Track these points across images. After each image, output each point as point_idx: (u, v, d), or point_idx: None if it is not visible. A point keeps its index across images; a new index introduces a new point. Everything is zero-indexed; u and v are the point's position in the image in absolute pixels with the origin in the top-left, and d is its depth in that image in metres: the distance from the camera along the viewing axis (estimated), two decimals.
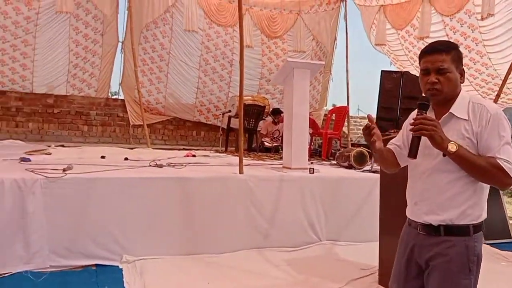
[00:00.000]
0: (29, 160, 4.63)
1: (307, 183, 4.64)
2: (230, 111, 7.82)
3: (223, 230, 4.15)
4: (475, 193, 1.81)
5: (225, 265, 3.90)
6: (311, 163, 5.81)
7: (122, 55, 8.85)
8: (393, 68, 9.29)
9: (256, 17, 9.67)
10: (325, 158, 7.06)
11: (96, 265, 3.68)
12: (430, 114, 1.84)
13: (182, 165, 4.87)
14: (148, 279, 3.44)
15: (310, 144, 7.56)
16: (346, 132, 8.72)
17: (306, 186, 4.63)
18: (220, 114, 8.53)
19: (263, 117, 8.03)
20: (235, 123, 7.06)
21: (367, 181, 4.91)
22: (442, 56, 1.81)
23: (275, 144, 7.57)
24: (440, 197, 1.82)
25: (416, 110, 1.82)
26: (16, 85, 8.18)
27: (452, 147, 1.69)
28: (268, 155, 7.10)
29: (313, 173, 4.81)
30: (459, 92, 1.86)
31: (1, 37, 7.84)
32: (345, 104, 8.73)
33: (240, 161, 4.42)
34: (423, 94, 1.87)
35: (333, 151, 7.41)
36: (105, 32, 8.65)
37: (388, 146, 2.04)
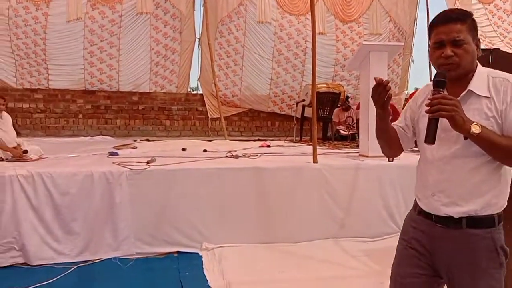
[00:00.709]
0: (116, 154, 4.96)
1: (385, 171, 4.46)
2: (304, 100, 7.74)
3: (298, 219, 4.14)
4: (500, 180, 1.61)
5: (301, 254, 3.90)
6: None
7: (200, 51, 9.13)
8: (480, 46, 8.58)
9: (329, 2, 9.44)
10: None
11: (178, 252, 3.87)
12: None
13: (257, 155, 4.93)
14: (226, 266, 3.54)
15: None
16: None
17: (385, 175, 4.45)
18: (294, 104, 8.49)
19: (338, 105, 7.85)
20: (309, 112, 6.97)
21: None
22: (457, 26, 1.57)
23: (351, 132, 7.37)
24: (463, 187, 1.60)
25: (430, 88, 1.59)
26: (104, 85, 8.80)
27: (475, 129, 1.47)
28: (344, 143, 6.94)
29: (392, 160, 4.60)
30: (476, 67, 1.64)
31: (89, 40, 8.47)
32: None
33: (314, 150, 4.37)
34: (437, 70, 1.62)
35: None
36: (183, 30, 8.97)
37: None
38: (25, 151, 4.51)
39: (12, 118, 4.95)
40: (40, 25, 8.17)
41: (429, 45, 1.68)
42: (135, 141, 7.06)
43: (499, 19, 7.97)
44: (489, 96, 1.57)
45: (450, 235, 1.64)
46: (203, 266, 3.59)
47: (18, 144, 4.67)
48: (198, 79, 9.38)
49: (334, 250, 4.05)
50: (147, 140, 7.59)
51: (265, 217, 4.12)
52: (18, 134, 5.03)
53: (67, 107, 8.62)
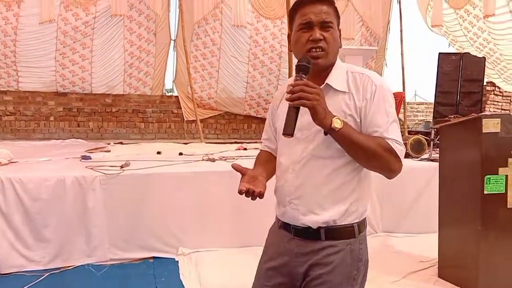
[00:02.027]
0: (89, 158, 4.84)
1: None
2: None
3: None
4: (359, 184, 1.47)
5: None
6: None
7: (175, 52, 9.04)
8: (451, 50, 8.82)
9: None
10: None
11: (153, 257, 3.81)
12: None
13: (234, 158, 4.91)
14: (203, 271, 3.51)
15: None
16: (402, 119, 8.38)
17: None
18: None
19: None
20: None
21: (425, 170, 4.69)
22: (325, 7, 1.42)
23: None
24: (320, 192, 1.43)
25: (294, 75, 1.39)
26: (77, 87, 8.60)
27: (337, 123, 1.29)
28: None
29: None
30: (335, 61, 1.49)
31: (62, 42, 8.26)
32: (401, 90, 8.39)
33: None
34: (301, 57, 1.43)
35: None
36: (157, 31, 8.86)
37: (262, 150, 1.70)
38: None
39: None
40: (11, 26, 7.91)
41: (297, 30, 1.45)
42: (108, 144, 6.92)
43: (469, 24, 8.21)
44: (347, 91, 1.42)
45: (309, 249, 1.47)
46: (179, 272, 3.54)
47: None
48: (173, 81, 9.30)
49: None
50: (121, 143, 7.45)
51: (242, 220, 4.09)
52: None
53: (38, 110, 8.39)
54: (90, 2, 8.27)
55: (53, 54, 8.29)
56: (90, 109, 8.72)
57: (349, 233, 1.46)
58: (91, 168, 3.97)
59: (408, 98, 11.29)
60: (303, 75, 1.34)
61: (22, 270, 3.45)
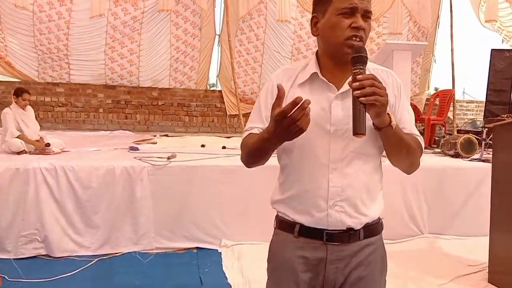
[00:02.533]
0: (137, 149, 5.00)
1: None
2: None
3: None
4: (381, 179, 1.43)
5: None
6: None
7: (219, 47, 9.12)
8: (505, 47, 8.39)
9: None
10: (428, 146, 6.61)
11: (197, 248, 3.88)
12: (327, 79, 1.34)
13: (274, 153, 4.88)
14: (246, 263, 3.53)
15: None
16: (451, 117, 8.07)
17: (407, 177, 4.32)
18: None
19: None
20: None
21: (476, 171, 4.51)
22: None
23: None
24: (365, 191, 1.35)
25: (286, 73, 1.35)
26: (124, 80, 8.86)
27: (394, 119, 1.23)
28: None
29: None
30: None
31: (111, 36, 8.53)
32: (449, 88, 8.07)
33: None
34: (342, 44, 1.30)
35: (436, 138, 6.91)
36: (203, 26, 8.96)
37: (251, 133, 1.38)
38: (48, 144, 4.58)
39: (34, 111, 5.03)
40: (64, 20, 8.25)
41: (337, 14, 1.30)
42: (154, 136, 7.11)
43: None
44: None
45: (346, 252, 1.36)
46: (222, 263, 3.59)
47: (40, 137, 4.75)
48: (217, 76, 9.38)
49: None
50: (166, 135, 7.63)
51: None
52: (40, 127, 5.11)
53: (88, 102, 8.71)
54: None
55: (102, 48, 8.57)
56: (137, 102, 8.96)
57: (380, 228, 1.43)
58: (139, 159, 4.08)
59: (457, 96, 10.88)
60: (361, 67, 1.20)
61: (73, 255, 3.62)
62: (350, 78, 1.21)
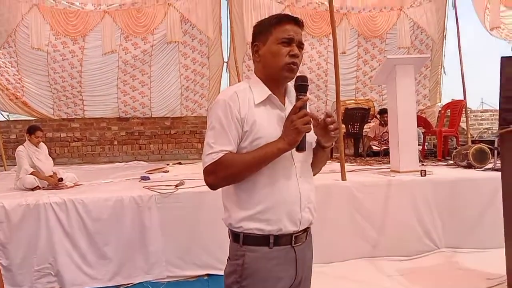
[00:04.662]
0: (148, 178, 5.06)
1: (418, 187, 4.33)
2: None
3: (329, 239, 4.03)
4: None
5: (333, 275, 3.80)
6: (422, 164, 5.42)
7: (228, 74, 9.26)
8: None
9: (354, 19, 9.48)
10: (441, 159, 6.51)
11: (208, 274, 3.86)
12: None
13: None
14: None
15: (423, 145, 7.07)
16: (465, 128, 7.93)
17: (418, 190, 4.31)
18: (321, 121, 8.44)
19: (368, 120, 7.72)
20: None
21: (490, 181, 4.40)
22: (300, 30, 1.57)
23: (384, 147, 7.21)
24: (314, 193, 1.60)
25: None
26: (137, 112, 9.06)
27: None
28: (376, 159, 6.79)
29: (425, 175, 4.47)
30: None
31: (123, 70, 8.78)
32: (461, 98, 7.96)
33: (342, 167, 4.29)
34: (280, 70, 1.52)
35: (450, 150, 6.81)
36: (210, 54, 9.14)
37: (225, 153, 1.45)
38: (60, 179, 4.69)
39: (50, 147, 5.18)
40: (77, 58, 8.54)
41: (277, 43, 1.52)
42: (167, 164, 7.18)
43: None
44: None
45: (305, 250, 1.58)
46: None
47: (54, 172, 4.86)
48: None
49: (368, 270, 3.93)
50: (179, 163, 7.70)
51: None
52: (57, 163, 5.24)
53: (103, 135, 8.91)
54: (148, 31, 8.74)
55: (115, 82, 8.82)
56: (150, 132, 9.12)
57: None
58: (148, 188, 4.13)
59: (474, 106, 10.75)
60: (303, 94, 1.47)
61: (86, 287, 3.63)
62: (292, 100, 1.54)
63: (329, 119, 1.48)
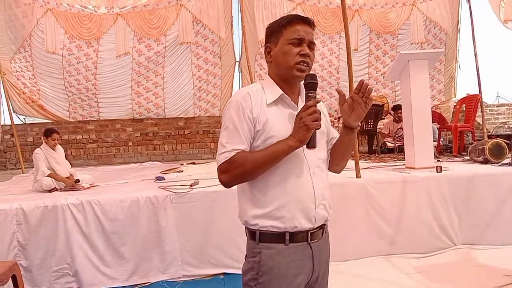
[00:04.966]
0: (163, 178, 5.10)
1: (434, 183, 4.27)
2: None
3: (344, 237, 4.01)
4: None
5: (349, 273, 3.78)
6: (438, 160, 5.35)
7: (240, 73, 9.28)
8: None
9: (366, 15, 9.41)
10: (457, 154, 6.43)
11: (224, 273, 3.87)
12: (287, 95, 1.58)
13: None
14: None
15: (438, 140, 6.98)
16: (481, 122, 7.82)
17: (434, 186, 4.26)
18: (335, 119, 8.39)
19: (382, 117, 7.65)
20: None
21: (507, 176, 4.34)
22: (312, 30, 1.58)
23: (398, 143, 7.15)
24: (329, 190, 1.62)
25: (258, 93, 1.54)
26: (151, 113, 9.14)
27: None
28: (391, 156, 6.73)
29: (440, 171, 4.41)
30: None
31: (137, 71, 8.87)
32: (477, 92, 7.85)
33: (356, 164, 4.27)
34: (289, 69, 1.55)
35: (466, 145, 6.71)
36: (222, 54, 9.19)
37: (237, 152, 1.48)
38: (77, 181, 4.76)
39: (66, 149, 5.26)
40: (91, 61, 8.67)
41: (287, 44, 1.54)
42: (181, 164, 7.23)
43: None
44: None
45: (322, 247, 1.59)
46: None
47: (70, 174, 4.94)
48: None
49: (385, 267, 3.90)
50: (193, 163, 7.75)
51: None
52: (73, 164, 5.31)
53: (118, 136, 9.01)
54: (160, 33, 8.81)
55: (129, 84, 8.93)
56: (164, 133, 9.19)
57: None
58: (163, 188, 4.17)
59: (490, 100, 10.58)
60: (313, 92, 1.48)
61: (102, 287, 3.69)
62: (303, 99, 1.52)
63: (365, 84, 1.55)
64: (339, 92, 1.58)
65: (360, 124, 1.64)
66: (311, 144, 1.47)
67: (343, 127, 1.63)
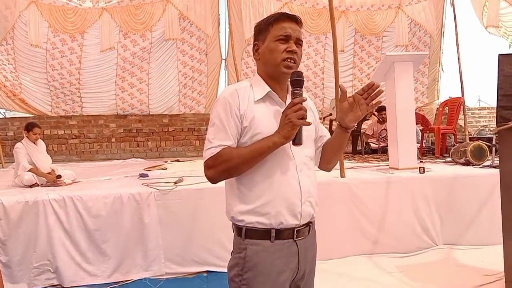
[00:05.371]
0: (146, 175, 5.05)
1: (417, 184, 4.33)
2: (331, 114, 7.69)
3: (327, 236, 4.01)
4: None
5: (332, 271, 3.81)
6: (421, 161, 5.43)
7: (226, 71, 9.26)
8: None
9: (352, 16, 9.48)
10: (439, 156, 6.53)
11: (207, 271, 3.86)
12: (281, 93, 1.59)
13: None
14: None
15: (421, 142, 7.08)
16: (463, 125, 7.95)
17: (416, 187, 4.32)
18: (320, 120, 8.47)
19: (367, 117, 7.73)
20: None
21: (488, 178, 4.41)
22: (299, 27, 1.58)
23: (382, 144, 7.22)
24: (316, 187, 1.61)
25: (245, 91, 1.53)
26: (135, 109, 9.06)
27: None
28: (374, 156, 6.80)
29: (423, 172, 4.47)
30: None
31: (121, 67, 8.77)
32: (459, 95, 7.97)
33: (341, 163, 4.30)
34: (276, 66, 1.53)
35: (448, 147, 6.82)
36: (208, 52, 9.15)
37: (223, 148, 1.48)
38: (59, 176, 4.67)
39: (48, 145, 5.16)
40: (76, 55, 8.54)
41: (274, 41, 1.54)
42: (165, 162, 7.17)
43: None
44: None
45: (307, 244, 1.60)
46: None
47: (52, 170, 4.84)
48: None
49: (367, 266, 3.94)
50: (178, 160, 7.70)
51: None
52: (55, 160, 5.22)
53: (100, 132, 8.90)
54: (146, 28, 8.72)
55: (113, 79, 8.82)
56: (148, 130, 9.11)
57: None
58: (147, 185, 4.13)
59: (471, 103, 10.77)
60: (299, 89, 1.48)
61: (84, 284, 3.64)
62: (290, 96, 1.53)
63: (375, 85, 1.54)
64: (341, 88, 1.57)
65: (354, 126, 1.64)
66: (297, 141, 1.48)
67: (338, 126, 1.63)
